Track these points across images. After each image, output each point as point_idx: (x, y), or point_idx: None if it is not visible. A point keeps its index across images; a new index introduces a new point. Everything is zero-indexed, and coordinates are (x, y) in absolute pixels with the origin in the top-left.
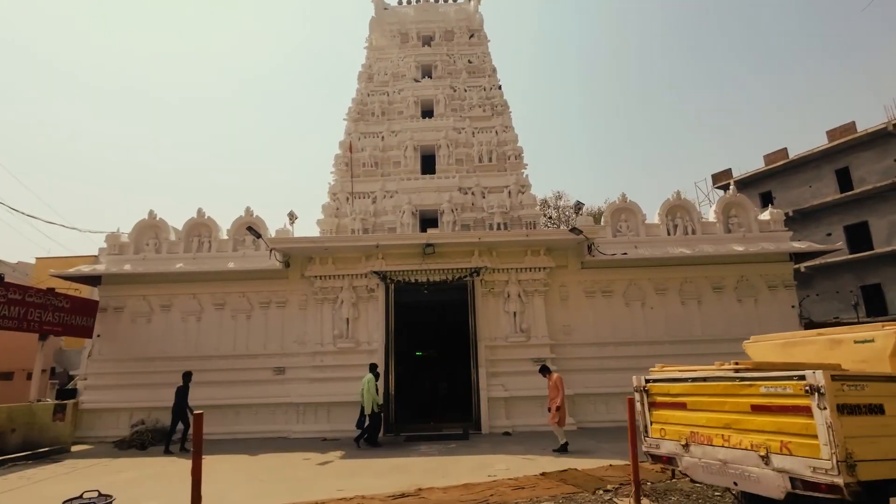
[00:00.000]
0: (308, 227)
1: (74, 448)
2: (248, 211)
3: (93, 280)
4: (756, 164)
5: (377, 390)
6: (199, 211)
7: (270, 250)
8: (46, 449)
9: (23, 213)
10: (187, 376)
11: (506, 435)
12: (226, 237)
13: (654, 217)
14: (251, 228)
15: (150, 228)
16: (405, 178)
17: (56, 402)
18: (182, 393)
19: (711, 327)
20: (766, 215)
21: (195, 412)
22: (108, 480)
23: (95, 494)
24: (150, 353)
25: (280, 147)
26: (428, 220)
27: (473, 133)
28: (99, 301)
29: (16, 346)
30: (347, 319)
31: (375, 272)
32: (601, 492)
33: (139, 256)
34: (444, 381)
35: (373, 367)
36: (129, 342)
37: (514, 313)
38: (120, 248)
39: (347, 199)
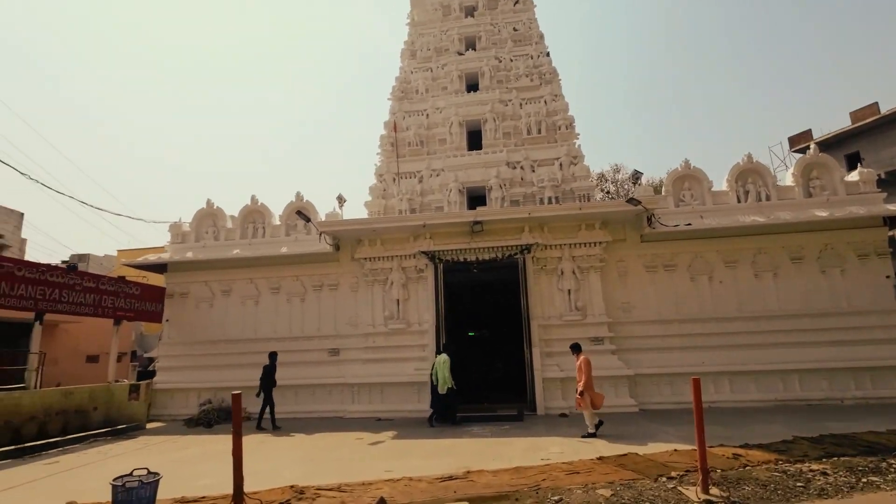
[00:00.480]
0: (357, 210)
1: (149, 425)
2: (299, 196)
3: (159, 268)
4: (839, 124)
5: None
6: (253, 198)
7: (320, 234)
8: (123, 426)
9: (93, 207)
10: (273, 356)
11: (562, 417)
12: (278, 223)
13: (721, 184)
14: (300, 213)
15: (209, 217)
16: (451, 156)
17: (131, 382)
18: (268, 372)
19: (790, 301)
20: (854, 176)
21: (234, 392)
22: (174, 456)
23: (145, 472)
24: (213, 336)
25: (330, 131)
26: (476, 198)
27: (521, 104)
28: (166, 288)
29: (102, 331)
30: (398, 300)
31: (424, 252)
32: (664, 479)
33: (199, 244)
34: (497, 361)
35: (447, 346)
36: (194, 326)
37: (569, 291)
38: (182, 236)
39: (394, 179)
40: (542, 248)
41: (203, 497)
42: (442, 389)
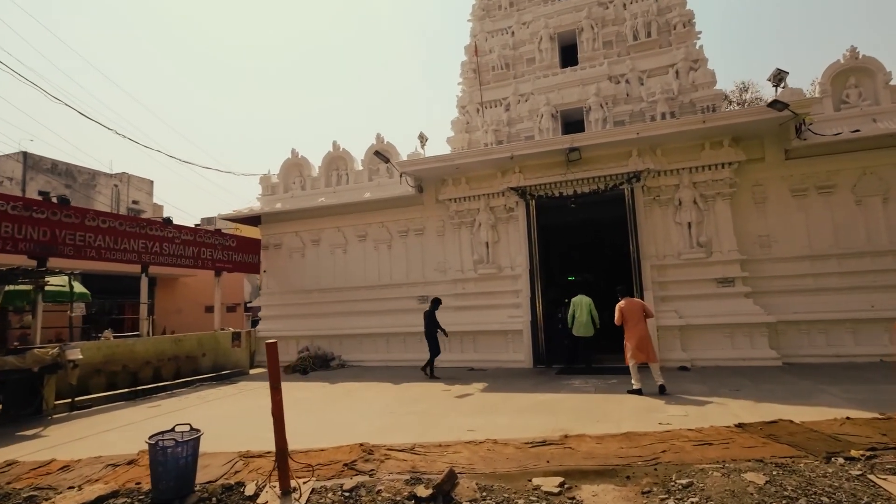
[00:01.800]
0: (441, 149)
1: (254, 371)
2: (379, 138)
3: (254, 221)
4: None
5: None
6: (335, 144)
7: (400, 175)
8: (228, 371)
9: (186, 162)
10: (436, 302)
11: (682, 370)
12: (361, 168)
13: None
14: (379, 153)
15: (295, 167)
16: (541, 76)
17: (233, 330)
18: (430, 318)
19: None
20: None
21: (268, 341)
22: (262, 402)
23: (187, 428)
24: (307, 285)
25: (410, 67)
26: (571, 124)
27: (624, 5)
28: (261, 240)
29: (235, 284)
30: (487, 243)
31: (513, 188)
32: (840, 461)
33: (287, 195)
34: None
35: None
36: (289, 276)
37: (689, 224)
38: (272, 188)
39: (477, 110)
40: (654, 175)
41: (269, 451)
42: (579, 331)
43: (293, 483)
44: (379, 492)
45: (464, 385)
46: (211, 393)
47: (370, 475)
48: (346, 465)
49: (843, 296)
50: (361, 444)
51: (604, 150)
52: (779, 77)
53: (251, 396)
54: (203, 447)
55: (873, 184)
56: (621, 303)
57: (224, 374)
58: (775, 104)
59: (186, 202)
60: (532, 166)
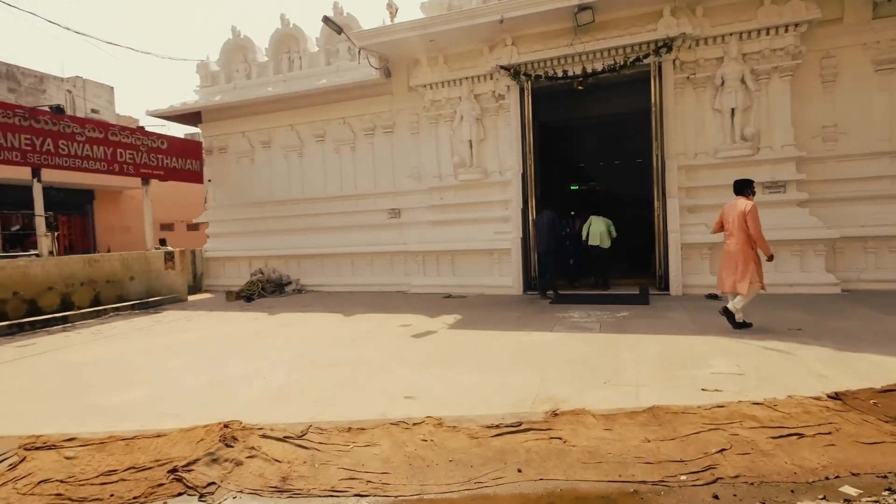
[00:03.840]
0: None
1: (197, 297)
2: (338, 8)
3: (193, 119)
4: None
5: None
6: (283, 18)
7: (359, 50)
8: (158, 298)
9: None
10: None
11: (711, 298)
12: (317, 49)
13: None
14: (328, 19)
15: (237, 50)
16: None
17: (166, 250)
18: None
19: None
20: None
21: None
22: (166, 342)
23: None
24: (257, 196)
25: None
26: None
27: None
28: (202, 142)
29: (175, 197)
30: (470, 142)
31: (504, 67)
32: None
33: (230, 85)
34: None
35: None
36: (237, 186)
37: (732, 111)
38: (212, 78)
39: None
40: (690, 44)
41: (73, 438)
42: (594, 240)
43: None
44: None
45: (429, 318)
46: (119, 326)
47: (201, 501)
48: (172, 472)
49: None
50: (226, 426)
51: (625, 9)
52: None
53: (161, 332)
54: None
55: None
56: (751, 205)
57: (152, 301)
58: None
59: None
60: (529, 36)
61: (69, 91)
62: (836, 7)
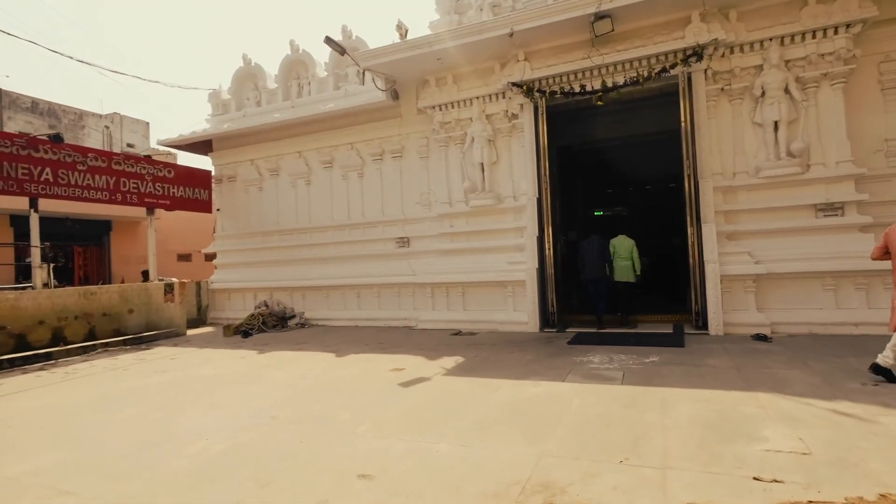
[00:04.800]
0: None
1: (198, 330)
2: (346, 31)
3: (203, 148)
4: None
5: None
6: (293, 44)
7: (362, 72)
8: (155, 332)
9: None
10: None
11: (759, 339)
12: (326, 74)
13: None
14: (330, 40)
15: (248, 78)
16: None
17: (166, 281)
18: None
19: None
20: None
21: None
22: (140, 384)
23: None
24: (265, 225)
25: None
26: None
27: None
28: (213, 171)
29: (193, 228)
30: (482, 165)
31: (516, 84)
32: None
33: (240, 113)
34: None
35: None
36: (245, 215)
37: (775, 124)
38: (223, 106)
39: None
40: (724, 51)
41: None
42: (621, 277)
43: None
44: None
45: (427, 360)
46: (99, 364)
47: None
48: None
49: None
50: None
51: (648, 17)
52: None
53: (136, 373)
54: None
55: None
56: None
57: (147, 336)
58: None
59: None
60: (542, 51)
61: (107, 127)
62: (893, 4)
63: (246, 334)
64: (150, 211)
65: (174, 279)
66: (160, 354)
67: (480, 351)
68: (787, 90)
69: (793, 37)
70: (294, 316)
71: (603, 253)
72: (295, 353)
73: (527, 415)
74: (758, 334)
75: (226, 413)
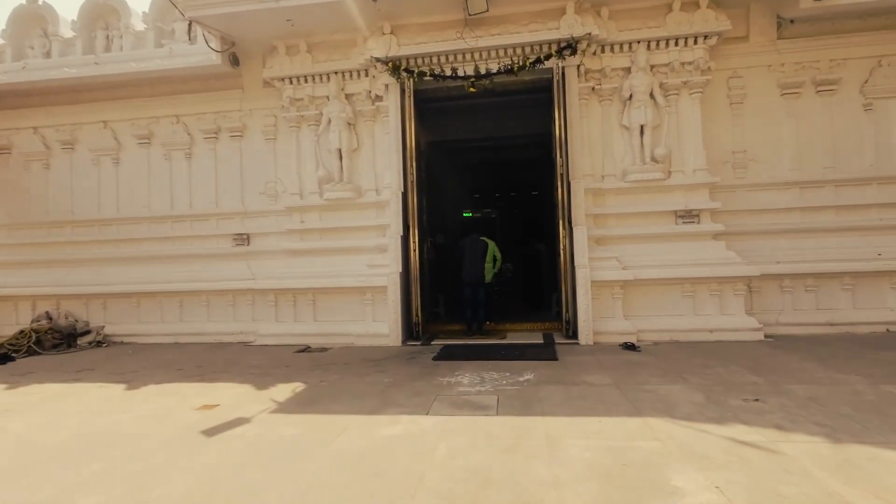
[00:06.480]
0: None
1: None
2: None
3: None
4: None
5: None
6: None
7: (189, 25)
8: None
9: None
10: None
11: (627, 348)
12: (145, 27)
13: None
14: None
15: (34, 20)
16: None
17: None
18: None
19: None
20: None
21: None
22: None
23: None
24: (53, 214)
25: None
26: None
27: None
28: None
29: None
30: (340, 152)
31: (381, 60)
32: None
33: (19, 65)
34: (507, 259)
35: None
36: (24, 199)
37: (641, 129)
38: None
39: None
40: (595, 49)
41: None
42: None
43: None
44: None
45: (255, 390)
46: None
47: None
48: None
49: (841, 238)
50: None
51: (524, 3)
52: None
53: None
54: None
55: (891, 80)
56: None
57: None
58: None
59: None
60: (412, 26)
61: None
62: (742, 23)
63: (4, 359)
64: None
65: None
66: None
67: (329, 373)
68: (652, 95)
69: (658, 42)
70: (89, 332)
71: (485, 254)
72: (67, 385)
73: (375, 475)
74: (626, 343)
75: None
